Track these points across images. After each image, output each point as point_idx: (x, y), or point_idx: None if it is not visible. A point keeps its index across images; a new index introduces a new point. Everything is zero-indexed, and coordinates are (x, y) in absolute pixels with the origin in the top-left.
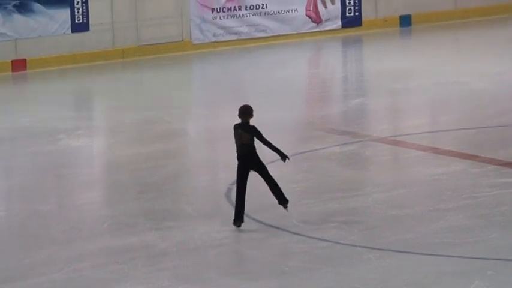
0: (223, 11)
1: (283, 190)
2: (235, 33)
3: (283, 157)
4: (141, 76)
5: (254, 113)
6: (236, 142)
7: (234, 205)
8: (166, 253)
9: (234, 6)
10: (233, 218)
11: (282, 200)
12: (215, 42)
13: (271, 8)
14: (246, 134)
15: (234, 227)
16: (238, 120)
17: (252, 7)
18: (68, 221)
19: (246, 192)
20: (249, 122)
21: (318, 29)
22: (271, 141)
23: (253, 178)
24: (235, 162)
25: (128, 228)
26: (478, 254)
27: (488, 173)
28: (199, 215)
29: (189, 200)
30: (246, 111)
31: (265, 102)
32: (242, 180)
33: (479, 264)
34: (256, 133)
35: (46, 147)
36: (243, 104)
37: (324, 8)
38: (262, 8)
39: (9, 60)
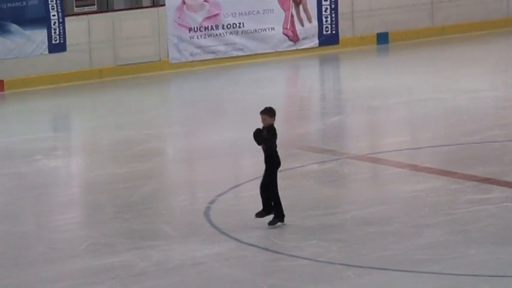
0: (201, 30)
1: (261, 208)
2: (213, 52)
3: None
4: (118, 96)
5: (234, 132)
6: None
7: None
8: (145, 273)
9: (211, 26)
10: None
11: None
12: (192, 61)
13: (248, 26)
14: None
15: (213, 246)
16: (222, 137)
17: (229, 26)
18: (46, 242)
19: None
20: (273, 124)
21: (295, 47)
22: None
23: (231, 195)
24: (212, 181)
25: (106, 248)
26: (457, 270)
27: (466, 190)
28: (178, 234)
29: (168, 220)
30: (269, 113)
31: (243, 120)
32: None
33: (457, 280)
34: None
35: (23, 167)
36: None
37: (301, 26)
38: (239, 26)
39: None
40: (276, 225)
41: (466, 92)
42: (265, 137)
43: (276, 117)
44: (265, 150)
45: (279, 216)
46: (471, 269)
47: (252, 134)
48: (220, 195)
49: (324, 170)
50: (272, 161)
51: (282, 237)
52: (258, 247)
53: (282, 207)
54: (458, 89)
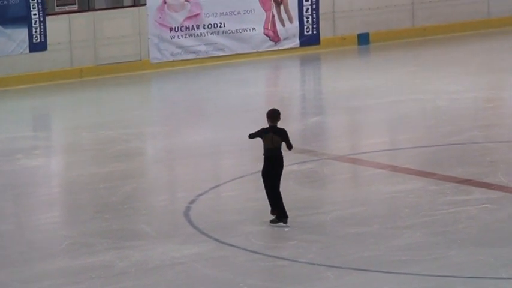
0: (182, 30)
1: (241, 208)
2: (194, 52)
3: None
4: (99, 95)
5: (215, 132)
6: (266, 145)
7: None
8: (125, 273)
9: (192, 25)
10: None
11: (282, 215)
12: (173, 61)
13: (229, 26)
14: (277, 137)
15: (193, 246)
16: (202, 137)
17: (210, 26)
18: (26, 241)
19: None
20: (276, 125)
21: (276, 48)
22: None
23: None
24: (193, 181)
25: (86, 248)
26: (436, 271)
27: (446, 191)
28: (157, 234)
29: (148, 220)
30: (274, 115)
31: (224, 121)
32: (271, 182)
33: (436, 281)
34: (286, 137)
35: (3, 167)
36: (271, 108)
37: (282, 27)
38: (220, 26)
39: None
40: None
41: (447, 93)
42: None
43: (255, 117)
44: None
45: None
46: (451, 270)
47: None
48: (200, 195)
49: (304, 170)
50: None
51: (262, 238)
52: (238, 247)
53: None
54: (439, 90)
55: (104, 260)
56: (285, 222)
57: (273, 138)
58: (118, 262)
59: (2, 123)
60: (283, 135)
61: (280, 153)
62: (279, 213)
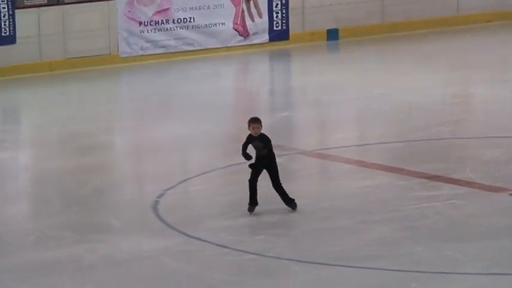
0: (151, 24)
1: (209, 202)
2: (163, 47)
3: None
4: (68, 89)
5: (183, 127)
6: (257, 152)
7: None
8: (93, 266)
9: (162, 20)
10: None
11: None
12: (143, 55)
13: (199, 21)
14: (262, 144)
15: (160, 240)
16: (171, 132)
17: (179, 20)
18: None
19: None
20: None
21: (245, 43)
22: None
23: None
24: (161, 175)
25: (53, 242)
26: (403, 266)
27: (414, 186)
28: (125, 228)
29: (116, 214)
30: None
31: (193, 115)
32: (256, 176)
33: (404, 276)
34: (269, 143)
35: None
36: (252, 116)
37: (251, 22)
38: (190, 21)
39: None
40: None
41: (415, 89)
42: (264, 152)
43: (224, 112)
44: (265, 157)
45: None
46: (418, 266)
47: (251, 166)
48: (168, 189)
49: None
50: (274, 162)
51: (230, 232)
52: (206, 241)
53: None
54: (407, 86)
55: (71, 253)
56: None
57: (260, 146)
58: (86, 255)
59: None
60: (266, 142)
61: (272, 159)
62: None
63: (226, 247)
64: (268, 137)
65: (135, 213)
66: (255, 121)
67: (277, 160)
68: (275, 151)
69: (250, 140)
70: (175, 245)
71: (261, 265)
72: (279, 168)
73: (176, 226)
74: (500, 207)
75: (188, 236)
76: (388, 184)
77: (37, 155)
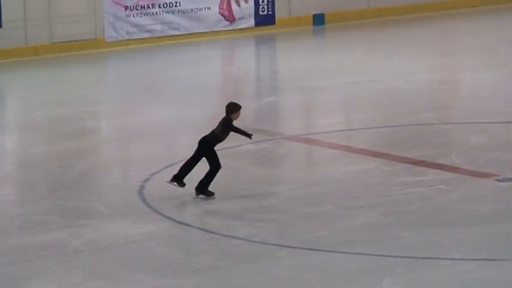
0: (137, 9)
1: (194, 187)
2: (149, 31)
3: (249, 136)
4: (54, 73)
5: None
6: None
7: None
8: (78, 251)
9: (147, 4)
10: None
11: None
12: (128, 40)
13: (185, 6)
14: (219, 125)
15: (146, 224)
16: (157, 116)
17: (165, 5)
18: None
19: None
20: (231, 119)
21: (231, 27)
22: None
23: (165, 174)
24: (147, 160)
25: (39, 226)
26: (389, 251)
27: (400, 172)
28: (111, 212)
29: (102, 198)
30: (228, 109)
31: (179, 99)
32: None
33: (389, 261)
34: (225, 123)
35: None
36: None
37: (237, 7)
38: (176, 5)
39: None
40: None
41: (401, 75)
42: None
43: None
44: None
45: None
46: (403, 251)
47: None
48: (154, 174)
49: (259, 150)
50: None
51: (216, 217)
52: (191, 226)
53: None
54: (394, 71)
55: (57, 238)
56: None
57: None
58: (71, 240)
59: None
60: (222, 122)
61: (213, 140)
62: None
63: (211, 232)
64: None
65: (121, 198)
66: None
67: (264, 145)
68: (261, 135)
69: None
70: (160, 229)
71: (247, 250)
72: (264, 154)
73: (162, 211)
74: (486, 193)
75: (174, 220)
76: (374, 169)
77: (23, 140)
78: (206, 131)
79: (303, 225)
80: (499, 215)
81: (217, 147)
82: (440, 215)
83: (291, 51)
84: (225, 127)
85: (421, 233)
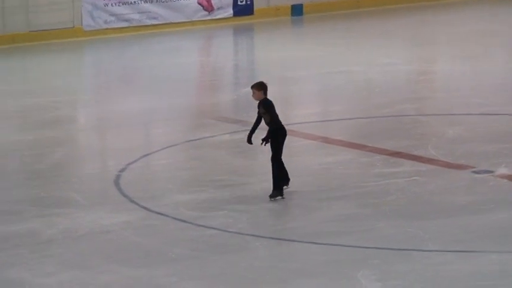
0: None
1: (171, 177)
2: (127, 20)
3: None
4: (31, 62)
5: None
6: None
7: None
8: (52, 240)
9: None
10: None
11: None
12: (106, 29)
13: None
14: (263, 110)
15: (122, 214)
16: (134, 106)
17: None
18: None
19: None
20: (265, 98)
21: (209, 17)
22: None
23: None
24: (123, 150)
25: (13, 216)
26: (365, 243)
27: (376, 163)
28: (87, 202)
29: (77, 188)
30: (265, 89)
31: (156, 89)
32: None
33: (365, 253)
34: (267, 107)
35: None
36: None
37: None
38: None
39: None
40: (277, 198)
41: (379, 66)
42: (267, 120)
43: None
44: (268, 123)
45: (279, 189)
46: (380, 242)
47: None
48: (130, 163)
49: (236, 140)
50: (276, 133)
51: (191, 207)
52: (167, 216)
53: (282, 181)
54: (371, 62)
55: (31, 227)
56: (281, 194)
57: (262, 113)
58: (46, 229)
59: None
60: (264, 106)
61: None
62: (275, 185)
63: (187, 222)
64: (268, 102)
65: (97, 188)
66: (252, 86)
67: (241, 135)
68: (238, 126)
69: (258, 107)
70: (136, 219)
71: (222, 240)
72: (241, 144)
73: (138, 200)
74: (463, 185)
75: (149, 210)
76: (351, 160)
77: None
78: (182, 121)
79: (278, 216)
80: (475, 206)
81: (194, 137)
82: (416, 206)
83: (269, 41)
84: (268, 110)
85: (397, 225)
